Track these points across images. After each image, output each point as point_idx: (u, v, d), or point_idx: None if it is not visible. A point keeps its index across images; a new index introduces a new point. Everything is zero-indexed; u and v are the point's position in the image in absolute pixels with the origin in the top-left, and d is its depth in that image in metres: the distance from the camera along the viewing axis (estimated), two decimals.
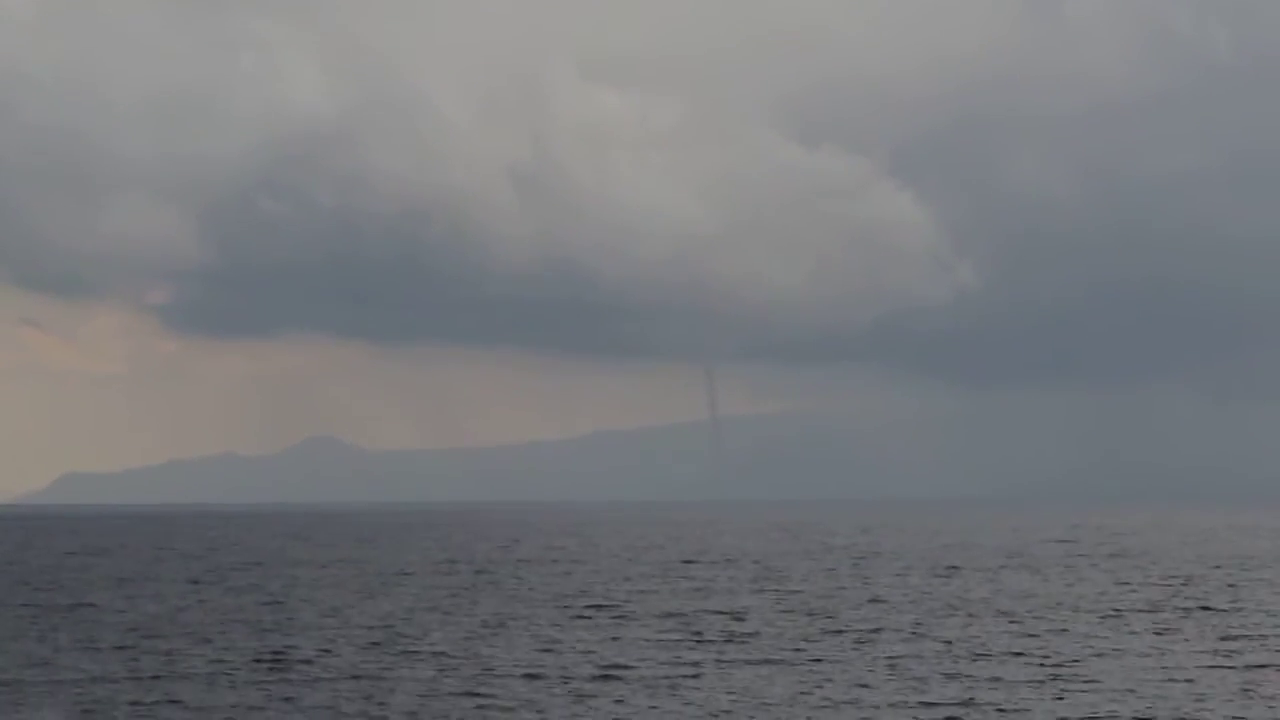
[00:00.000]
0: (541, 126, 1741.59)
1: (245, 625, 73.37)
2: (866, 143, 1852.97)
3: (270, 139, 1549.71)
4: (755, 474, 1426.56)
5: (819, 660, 59.69)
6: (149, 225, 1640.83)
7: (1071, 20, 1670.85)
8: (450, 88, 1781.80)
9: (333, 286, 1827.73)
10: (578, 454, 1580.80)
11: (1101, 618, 77.34)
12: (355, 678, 54.76)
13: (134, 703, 49.56)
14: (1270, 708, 48.64)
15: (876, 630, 70.83)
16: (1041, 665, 58.19)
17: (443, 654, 61.60)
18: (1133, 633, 70.17)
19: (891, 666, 57.81)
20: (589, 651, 62.28)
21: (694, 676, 54.90)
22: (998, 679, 54.35)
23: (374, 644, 65.12)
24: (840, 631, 70.43)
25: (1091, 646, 64.42)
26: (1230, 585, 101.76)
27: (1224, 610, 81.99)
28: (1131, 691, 51.70)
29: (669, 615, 78.46)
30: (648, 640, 66.48)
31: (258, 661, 59.17)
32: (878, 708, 48.42)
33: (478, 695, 50.77)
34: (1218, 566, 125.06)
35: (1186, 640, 67.06)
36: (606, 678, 54.62)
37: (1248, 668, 57.81)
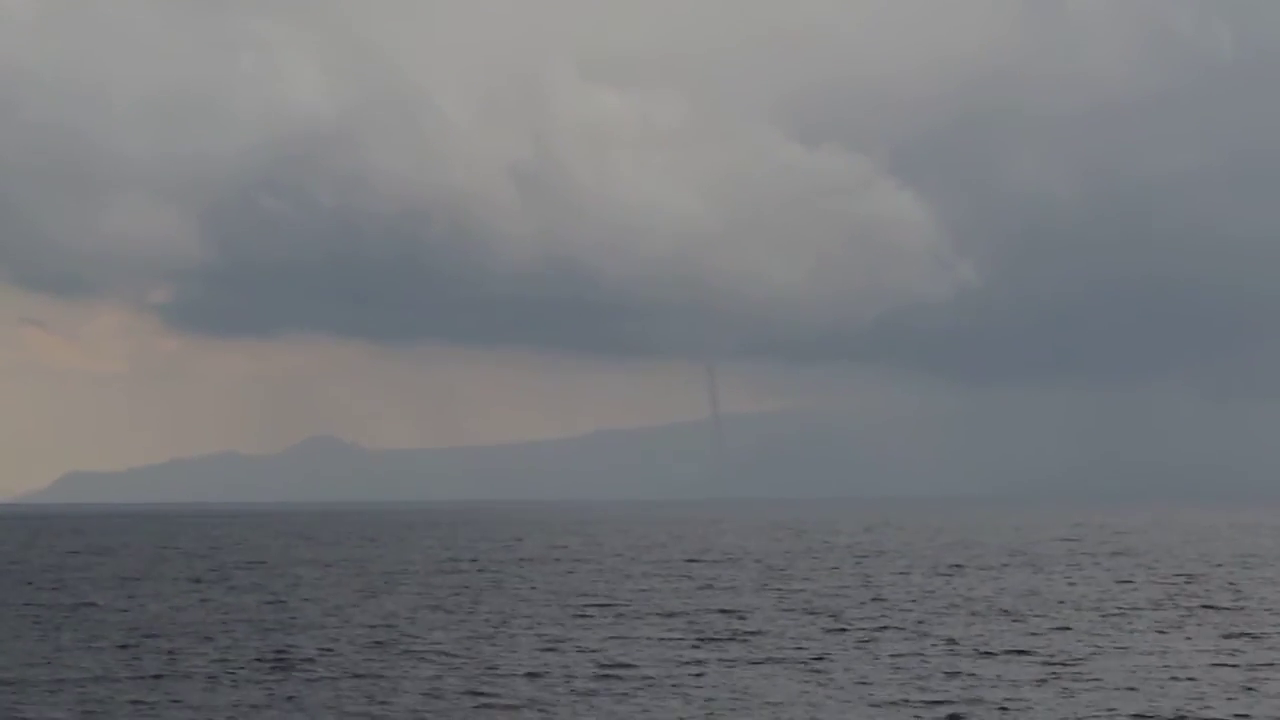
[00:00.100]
0: (542, 126, 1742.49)
1: (248, 624, 73.35)
2: (867, 141, 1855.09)
3: (271, 138, 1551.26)
4: (757, 472, 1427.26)
5: (822, 659, 59.66)
6: (150, 225, 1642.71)
7: (1072, 19, 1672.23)
8: (451, 87, 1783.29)
9: (333, 286, 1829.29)
10: (579, 453, 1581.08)
11: (1104, 616, 77.32)
12: (358, 677, 54.73)
13: (136, 702, 49.53)
14: (1274, 706, 48.60)
15: (880, 629, 70.81)
16: (1045, 664, 58.16)
17: (445, 653, 61.57)
18: (1135, 631, 70.15)
19: (895, 665, 57.79)
20: (591, 650, 62.25)
21: (697, 675, 54.86)
22: (1001, 677, 54.32)
23: (377, 643, 65.10)
24: (843, 630, 70.40)
25: (1094, 645, 64.39)
26: (1232, 583, 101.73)
27: (1227, 608, 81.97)
28: (1134, 689, 51.67)
29: (672, 614, 78.43)
30: (650, 639, 66.45)
31: (260, 661, 59.14)
32: (881, 706, 48.39)
33: (480, 694, 50.74)
34: (1220, 565, 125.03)
35: (1189, 638, 67.04)
36: (609, 677, 54.59)
37: (1250, 666, 57.78)
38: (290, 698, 50.21)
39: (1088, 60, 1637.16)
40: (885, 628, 71.33)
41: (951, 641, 65.39)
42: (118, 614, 79.70)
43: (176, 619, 76.69)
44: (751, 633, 69.06)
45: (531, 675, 54.96)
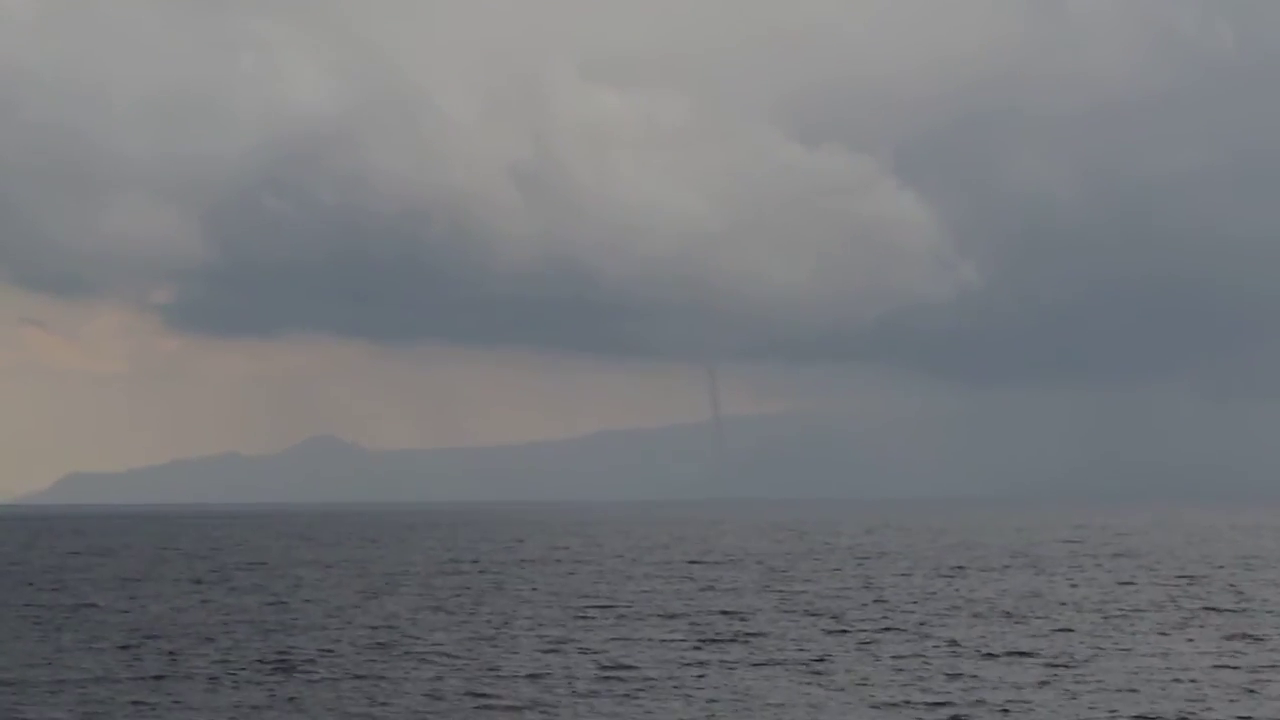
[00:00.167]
0: (542, 126, 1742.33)
1: (249, 625, 73.33)
2: (868, 142, 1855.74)
3: (271, 138, 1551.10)
4: (757, 473, 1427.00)
5: (823, 660, 59.62)
6: (150, 225, 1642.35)
7: (1074, 19, 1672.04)
8: (451, 87, 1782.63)
9: (334, 286, 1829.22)
10: (580, 453, 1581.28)
11: (1106, 618, 77.26)
12: (359, 678, 54.71)
13: (137, 703, 49.51)
14: (1276, 708, 48.55)
15: (881, 630, 70.77)
16: (1047, 665, 58.12)
17: (447, 654, 61.53)
18: (1137, 633, 70.10)
19: (896, 666, 57.75)
20: (593, 652, 62.22)
21: (699, 676, 54.84)
22: (1003, 679, 54.28)
23: (378, 644, 65.07)
24: (845, 632, 70.37)
25: (1096, 646, 64.34)
26: (1234, 585, 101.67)
27: (1228, 610, 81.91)
28: (1136, 691, 51.63)
29: (673, 615, 78.39)
30: (652, 640, 66.41)
31: (261, 662, 59.12)
32: (882, 708, 48.34)
33: (482, 695, 50.71)
34: (1221, 566, 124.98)
35: (1191, 640, 66.99)
36: (611, 678, 54.56)
37: (1252, 668, 57.73)
38: (291, 699, 50.20)
39: (1089, 60, 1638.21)
40: (887, 629, 71.29)
41: (953, 643, 65.36)
42: (118, 615, 79.68)
43: (177, 620, 76.66)
44: (753, 634, 69.02)
45: (533, 677, 54.93)
